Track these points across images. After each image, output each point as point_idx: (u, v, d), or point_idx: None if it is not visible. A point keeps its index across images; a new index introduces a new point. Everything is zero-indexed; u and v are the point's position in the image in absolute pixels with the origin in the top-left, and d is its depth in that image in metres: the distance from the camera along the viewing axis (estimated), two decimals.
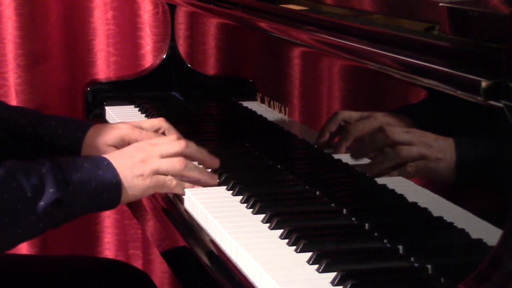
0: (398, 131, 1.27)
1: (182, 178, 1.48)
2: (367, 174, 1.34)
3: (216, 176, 1.53)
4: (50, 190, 1.32)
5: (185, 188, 1.48)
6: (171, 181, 1.45)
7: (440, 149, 1.17)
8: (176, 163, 1.46)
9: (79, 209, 1.38)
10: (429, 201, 1.20)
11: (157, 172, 1.44)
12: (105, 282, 1.74)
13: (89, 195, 1.37)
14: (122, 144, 1.60)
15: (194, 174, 1.49)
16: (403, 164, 1.25)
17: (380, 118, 1.33)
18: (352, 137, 1.40)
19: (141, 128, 1.61)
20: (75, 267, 1.78)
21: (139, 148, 1.48)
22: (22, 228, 1.31)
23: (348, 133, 1.40)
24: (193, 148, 1.51)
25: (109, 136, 1.62)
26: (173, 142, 1.50)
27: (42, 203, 1.32)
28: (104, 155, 1.44)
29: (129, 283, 1.78)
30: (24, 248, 2.49)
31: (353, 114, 1.42)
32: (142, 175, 1.42)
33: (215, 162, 1.55)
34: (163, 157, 1.46)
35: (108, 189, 1.39)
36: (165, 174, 1.45)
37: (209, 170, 1.55)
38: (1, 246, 1.36)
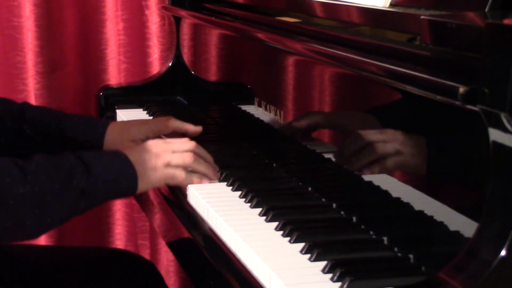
0: (376, 132, 1.28)
1: (190, 172, 1.49)
2: (354, 172, 1.34)
3: (218, 173, 1.54)
4: (74, 182, 1.33)
5: (193, 180, 1.49)
6: (181, 174, 1.46)
7: (413, 145, 1.17)
8: (186, 157, 1.48)
9: (100, 198, 1.40)
10: (411, 197, 1.19)
11: (168, 165, 1.46)
12: (114, 271, 1.75)
13: (108, 186, 1.38)
14: (144, 140, 1.64)
15: (202, 168, 1.50)
16: (382, 159, 1.26)
17: (366, 122, 1.33)
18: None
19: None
20: (89, 257, 1.79)
21: (154, 144, 1.50)
22: (51, 218, 1.32)
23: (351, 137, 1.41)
24: (201, 149, 1.53)
25: (131, 132, 1.69)
26: (185, 141, 1.52)
27: (68, 193, 1.33)
28: (122, 150, 1.45)
29: (137, 272, 1.78)
30: (42, 239, 2.49)
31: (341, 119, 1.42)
32: (155, 168, 1.44)
33: (216, 168, 1.55)
34: (174, 152, 1.47)
35: (126, 181, 1.40)
36: (176, 167, 1.46)
37: None
38: (31, 235, 1.36)
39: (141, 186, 1.43)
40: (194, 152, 1.50)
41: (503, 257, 0.94)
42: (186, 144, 1.51)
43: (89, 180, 1.35)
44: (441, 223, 1.13)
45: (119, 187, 1.40)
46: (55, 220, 1.34)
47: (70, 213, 1.35)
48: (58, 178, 1.32)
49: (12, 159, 1.32)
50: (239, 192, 1.46)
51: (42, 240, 2.49)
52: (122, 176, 1.40)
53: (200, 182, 1.49)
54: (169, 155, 1.47)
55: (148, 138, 1.66)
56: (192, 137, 1.71)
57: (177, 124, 1.72)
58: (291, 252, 1.19)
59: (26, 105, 1.76)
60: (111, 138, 1.69)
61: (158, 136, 1.69)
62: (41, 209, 1.30)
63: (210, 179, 1.51)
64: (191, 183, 1.49)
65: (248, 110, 1.81)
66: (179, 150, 1.49)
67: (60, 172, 1.33)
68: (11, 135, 1.68)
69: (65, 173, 1.33)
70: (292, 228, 1.25)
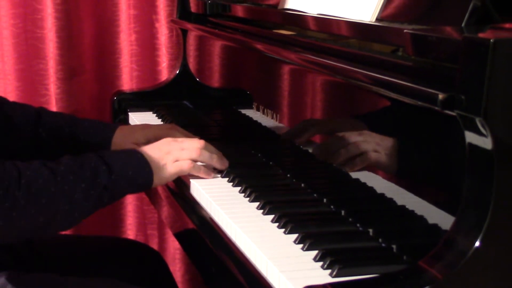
0: (360, 134, 1.28)
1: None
2: (343, 170, 1.33)
3: (227, 162, 1.54)
4: (98, 180, 1.35)
5: (200, 171, 1.50)
6: (188, 164, 1.47)
7: (396, 146, 1.17)
8: (194, 153, 1.49)
9: (120, 193, 1.41)
10: (394, 193, 1.19)
11: (177, 161, 1.47)
12: (125, 260, 1.75)
13: (127, 182, 1.39)
14: (145, 143, 1.63)
15: (208, 162, 1.51)
16: (367, 159, 1.25)
17: (353, 125, 1.33)
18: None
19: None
20: (102, 246, 1.79)
21: (165, 142, 1.50)
22: (79, 212, 1.34)
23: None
24: (209, 146, 1.53)
25: (134, 136, 1.69)
26: (194, 140, 1.54)
27: (93, 191, 1.34)
28: (137, 149, 1.46)
29: (145, 261, 1.78)
30: None
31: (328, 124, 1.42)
32: (166, 164, 1.45)
33: (225, 163, 1.55)
34: (183, 150, 1.49)
35: (142, 177, 1.41)
36: (184, 160, 1.47)
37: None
38: (61, 228, 1.39)
39: (156, 181, 1.44)
40: (201, 148, 1.50)
41: (477, 248, 0.94)
42: (195, 142, 1.52)
43: (110, 178, 1.36)
44: (421, 216, 1.12)
45: (136, 183, 1.41)
46: (82, 214, 1.35)
47: (95, 207, 1.36)
48: (84, 177, 1.34)
49: (42, 161, 1.34)
50: (239, 188, 1.45)
51: None
52: (139, 173, 1.41)
53: (208, 175, 1.51)
54: (179, 152, 1.47)
55: (149, 142, 1.64)
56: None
57: (178, 133, 1.71)
58: (286, 242, 1.18)
59: (42, 110, 1.75)
60: (118, 141, 1.69)
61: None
62: (70, 205, 1.31)
63: (217, 171, 1.53)
64: (199, 173, 1.50)
65: (247, 114, 1.81)
66: (188, 148, 1.49)
67: (86, 172, 1.34)
68: (28, 138, 1.68)
69: (90, 172, 1.35)
70: (287, 221, 1.24)
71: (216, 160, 1.52)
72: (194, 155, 1.49)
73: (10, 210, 1.25)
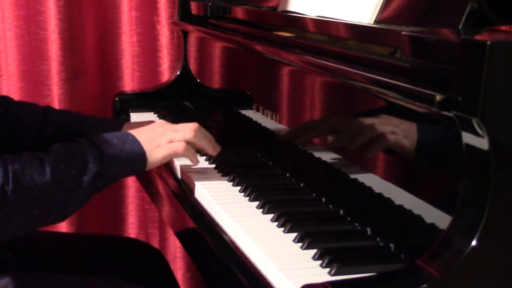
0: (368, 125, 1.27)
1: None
2: (341, 170, 1.33)
3: (219, 148, 1.54)
4: (90, 166, 1.32)
5: (194, 154, 1.49)
6: (182, 145, 1.45)
7: (393, 147, 1.17)
8: (188, 133, 1.47)
9: (114, 177, 1.37)
10: (392, 193, 1.19)
11: (171, 141, 1.45)
12: (126, 258, 1.74)
13: (120, 165, 1.37)
14: None
15: (202, 144, 1.50)
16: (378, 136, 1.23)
17: (351, 125, 1.33)
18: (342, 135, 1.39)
19: None
20: (104, 245, 1.78)
21: (158, 124, 1.49)
22: (73, 201, 1.31)
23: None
24: (202, 128, 1.52)
25: None
26: (187, 123, 1.51)
27: (86, 177, 1.31)
28: (129, 131, 1.43)
29: (146, 259, 1.77)
30: (64, 227, 2.48)
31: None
32: (159, 145, 1.42)
33: (217, 148, 1.54)
34: (177, 131, 1.47)
35: (135, 159, 1.39)
36: (178, 142, 1.46)
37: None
38: (57, 218, 1.34)
39: (150, 163, 1.41)
40: (195, 130, 1.48)
41: (474, 247, 0.94)
42: (189, 124, 1.50)
43: (102, 163, 1.33)
44: (419, 216, 1.12)
45: (129, 165, 1.38)
46: (78, 203, 1.32)
47: (89, 194, 1.33)
48: (75, 164, 1.30)
49: (32, 152, 1.30)
50: (239, 187, 1.45)
51: (64, 228, 2.48)
52: (132, 156, 1.38)
53: (197, 160, 1.50)
54: (172, 133, 1.46)
55: None
56: None
57: None
58: (285, 241, 1.18)
59: (48, 108, 1.75)
60: None
61: None
62: (64, 195, 1.28)
63: (210, 154, 1.52)
64: (192, 155, 1.49)
65: (247, 114, 1.81)
66: (182, 129, 1.48)
67: (77, 158, 1.31)
68: (36, 137, 1.67)
69: (81, 158, 1.31)
70: (286, 220, 1.24)
71: (209, 142, 1.51)
72: (188, 135, 1.46)
73: (1, 205, 1.22)
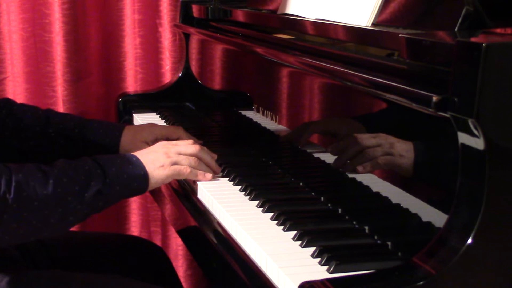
0: (367, 137, 1.26)
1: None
2: (339, 169, 1.33)
3: (219, 169, 1.53)
4: (92, 183, 1.31)
5: (198, 176, 1.47)
6: (186, 169, 1.45)
7: (401, 149, 1.16)
8: (192, 160, 1.47)
9: (115, 197, 1.36)
10: (389, 192, 1.19)
11: (175, 164, 1.44)
12: (130, 256, 1.74)
13: (122, 185, 1.36)
14: (153, 141, 1.64)
15: (203, 168, 1.50)
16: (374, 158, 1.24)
17: (349, 125, 1.32)
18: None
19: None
20: (108, 242, 1.78)
21: (162, 145, 1.49)
22: (73, 216, 1.30)
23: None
24: (205, 151, 1.51)
25: (143, 134, 1.68)
26: (190, 145, 1.51)
27: (87, 194, 1.30)
28: (133, 153, 1.43)
29: (149, 257, 1.77)
30: None
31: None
32: (163, 166, 1.42)
33: (218, 169, 1.54)
34: (181, 154, 1.46)
35: (137, 180, 1.38)
36: (181, 165, 1.45)
37: None
38: (55, 231, 1.34)
39: (152, 184, 1.41)
40: (197, 156, 1.48)
41: (469, 245, 0.94)
42: (191, 147, 1.49)
43: (105, 181, 1.33)
44: (415, 214, 1.12)
45: (132, 187, 1.38)
46: (76, 218, 1.31)
47: (89, 211, 1.33)
48: (78, 180, 1.30)
49: (36, 164, 1.30)
50: (240, 186, 1.45)
51: None
52: (134, 177, 1.38)
53: (204, 178, 1.48)
54: (176, 156, 1.45)
55: (157, 140, 1.66)
56: (199, 138, 1.71)
57: (183, 134, 1.70)
58: (285, 239, 1.18)
59: (50, 111, 1.75)
60: (126, 140, 1.67)
61: (165, 139, 1.67)
62: (63, 208, 1.28)
63: (212, 175, 1.51)
64: (196, 178, 1.47)
65: (247, 115, 1.80)
66: (185, 153, 1.47)
67: (80, 175, 1.31)
68: (38, 138, 1.67)
69: (84, 175, 1.31)
70: (286, 218, 1.24)
71: (210, 164, 1.51)
72: (192, 162, 1.47)
73: (1, 212, 1.21)
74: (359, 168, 1.24)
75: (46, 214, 1.26)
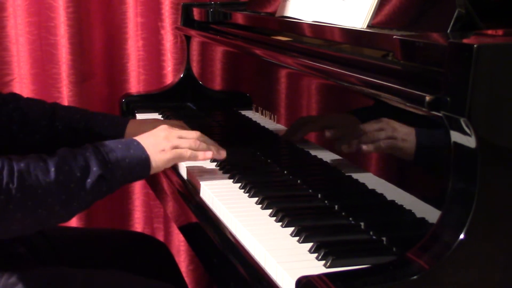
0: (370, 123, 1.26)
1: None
2: (336, 168, 1.33)
3: (224, 152, 1.51)
4: (94, 169, 1.30)
5: (198, 155, 1.46)
6: (186, 152, 1.44)
7: (386, 146, 1.16)
8: (192, 142, 1.46)
9: (118, 182, 1.35)
10: (384, 188, 1.19)
11: (176, 148, 1.43)
12: (133, 251, 1.74)
13: (124, 170, 1.35)
14: None
15: (206, 149, 1.48)
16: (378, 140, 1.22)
17: (344, 122, 1.32)
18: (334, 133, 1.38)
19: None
20: (112, 238, 1.78)
21: (162, 129, 1.47)
22: (77, 202, 1.29)
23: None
24: (205, 137, 1.51)
25: (146, 127, 1.64)
26: (190, 131, 1.50)
27: (89, 180, 1.30)
28: (134, 137, 1.42)
29: (152, 252, 1.77)
30: (74, 222, 2.47)
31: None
32: (164, 150, 1.41)
33: (223, 154, 1.52)
34: (181, 138, 1.45)
35: (139, 164, 1.37)
36: (183, 148, 1.44)
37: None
38: (60, 219, 1.33)
39: (153, 168, 1.40)
40: (199, 139, 1.48)
41: (462, 240, 0.94)
42: (191, 132, 1.49)
43: (107, 167, 1.32)
44: (409, 211, 1.12)
45: (134, 170, 1.37)
46: (81, 204, 1.31)
47: (93, 197, 1.32)
48: (79, 167, 1.29)
49: (38, 154, 1.29)
50: (239, 184, 1.45)
51: (74, 223, 2.48)
52: (136, 161, 1.37)
53: (204, 157, 1.47)
54: (177, 139, 1.44)
55: None
56: None
57: (185, 128, 1.70)
58: (283, 235, 1.18)
59: (56, 104, 1.74)
60: (131, 133, 1.66)
61: None
62: (67, 196, 1.27)
63: (215, 158, 1.50)
64: (196, 159, 1.46)
65: (247, 115, 1.80)
66: (186, 137, 1.46)
67: (81, 161, 1.30)
68: (45, 131, 1.67)
69: (85, 162, 1.30)
70: (284, 215, 1.24)
71: (213, 152, 1.49)
72: (193, 144, 1.45)
73: (5, 203, 1.21)
74: (364, 146, 1.22)
75: (50, 201, 1.26)
